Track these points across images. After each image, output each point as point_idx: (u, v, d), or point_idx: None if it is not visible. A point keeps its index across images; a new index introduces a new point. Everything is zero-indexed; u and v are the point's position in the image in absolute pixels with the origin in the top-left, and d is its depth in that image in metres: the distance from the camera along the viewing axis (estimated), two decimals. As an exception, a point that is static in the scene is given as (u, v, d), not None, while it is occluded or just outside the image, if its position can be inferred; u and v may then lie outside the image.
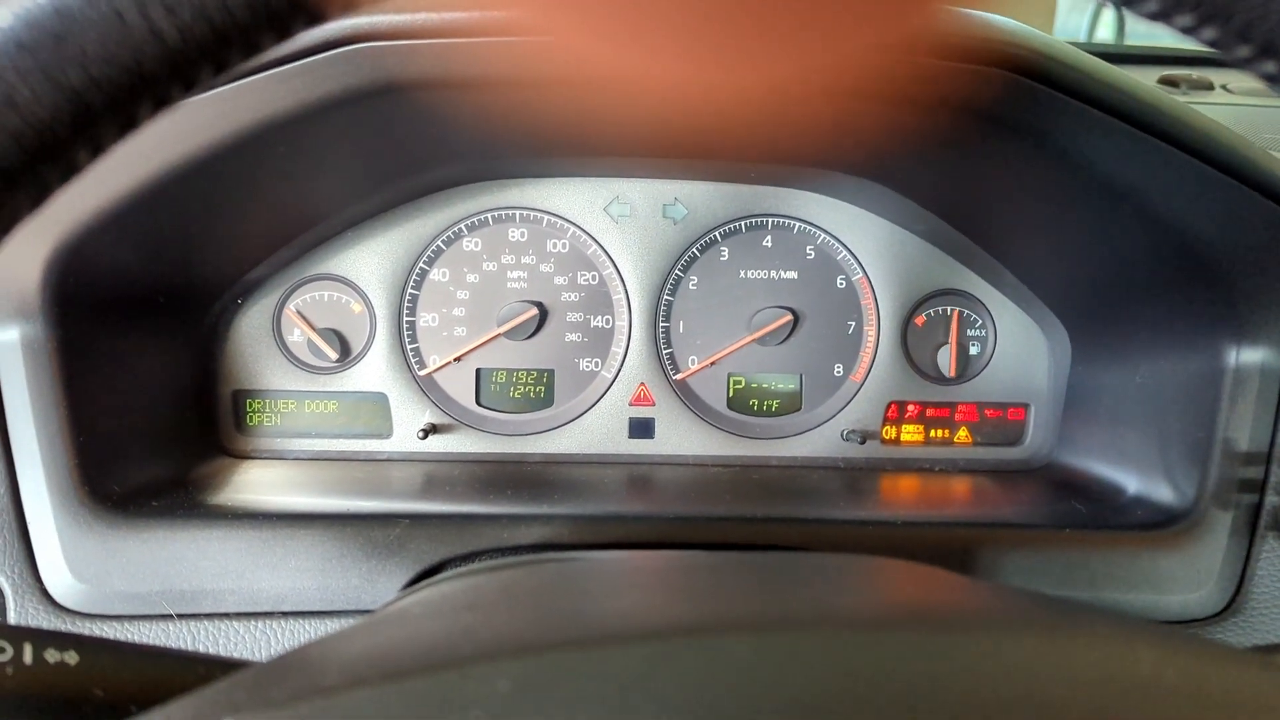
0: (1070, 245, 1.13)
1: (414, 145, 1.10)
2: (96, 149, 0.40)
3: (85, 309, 0.99)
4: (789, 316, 1.30)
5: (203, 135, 0.90)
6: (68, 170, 0.40)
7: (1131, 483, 1.15)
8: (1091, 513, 1.12)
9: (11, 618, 0.95)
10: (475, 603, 0.56)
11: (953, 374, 1.32)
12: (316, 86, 0.88)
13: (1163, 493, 1.10)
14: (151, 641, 0.97)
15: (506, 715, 0.39)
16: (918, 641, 0.45)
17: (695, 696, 0.40)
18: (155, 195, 0.93)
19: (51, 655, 0.60)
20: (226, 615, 0.98)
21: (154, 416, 1.12)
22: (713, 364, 1.31)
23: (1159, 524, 1.06)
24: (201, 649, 0.97)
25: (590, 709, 0.39)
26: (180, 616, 0.97)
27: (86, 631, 0.95)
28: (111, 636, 0.96)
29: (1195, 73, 1.66)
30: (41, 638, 0.60)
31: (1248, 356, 1.01)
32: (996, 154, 1.01)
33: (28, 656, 0.59)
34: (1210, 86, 1.64)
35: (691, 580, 0.61)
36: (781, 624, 0.47)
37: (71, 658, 0.62)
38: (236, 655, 0.97)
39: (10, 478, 0.96)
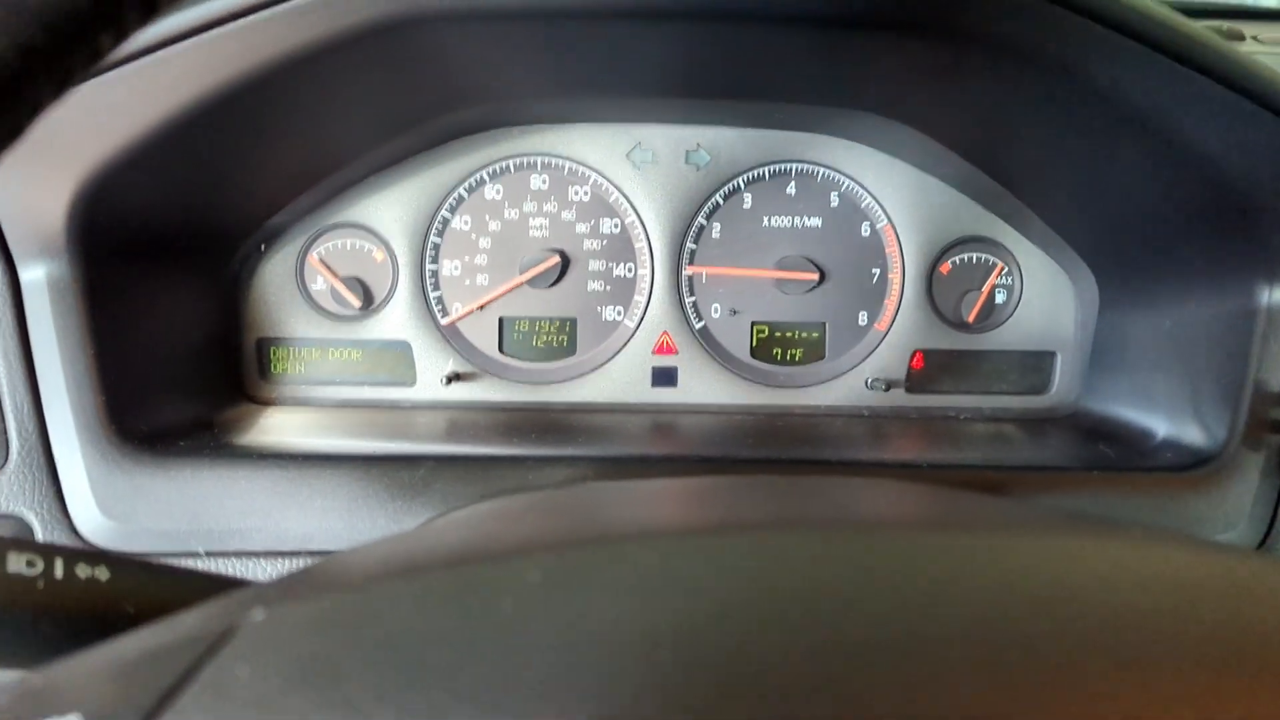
0: (1100, 186, 1.11)
1: (436, 85, 1.09)
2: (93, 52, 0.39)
3: (111, 249, 0.99)
4: (815, 273, 1.29)
5: (226, 69, 0.89)
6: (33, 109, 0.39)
7: (1161, 427, 1.14)
8: (1120, 457, 1.11)
9: (41, 554, 0.95)
10: (502, 515, 0.56)
11: (973, 320, 1.31)
12: (339, 18, 0.87)
13: (1193, 435, 1.09)
14: (180, 579, 0.97)
15: (539, 603, 0.39)
16: (929, 543, 0.44)
17: (715, 587, 0.40)
18: (179, 132, 0.92)
19: (83, 570, 0.61)
20: (254, 553, 0.98)
21: (179, 360, 1.13)
22: (734, 313, 1.31)
23: (1189, 466, 1.05)
24: (229, 586, 0.97)
25: (617, 597, 0.39)
26: (208, 554, 0.98)
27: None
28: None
29: (1226, 24, 1.63)
30: (72, 554, 0.61)
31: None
32: (1026, 90, 0.99)
33: (58, 571, 0.60)
34: (1241, 37, 1.61)
35: (715, 493, 0.60)
36: (797, 526, 0.46)
37: (102, 573, 0.62)
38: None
39: (38, 416, 0.96)
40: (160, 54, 0.88)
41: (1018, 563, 0.43)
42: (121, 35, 0.40)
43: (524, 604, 0.39)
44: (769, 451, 1.10)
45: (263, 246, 1.23)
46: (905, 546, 0.44)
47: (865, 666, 0.32)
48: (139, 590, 0.64)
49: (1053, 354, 1.32)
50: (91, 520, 0.96)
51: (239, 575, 0.98)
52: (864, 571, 0.41)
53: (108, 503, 0.96)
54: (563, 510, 0.58)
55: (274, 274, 1.25)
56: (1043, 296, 1.31)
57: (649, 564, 0.41)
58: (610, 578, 0.41)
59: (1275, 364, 1.02)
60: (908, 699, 0.30)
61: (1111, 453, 1.12)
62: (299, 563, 0.98)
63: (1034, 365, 1.32)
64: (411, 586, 0.42)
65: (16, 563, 0.58)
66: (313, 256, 1.25)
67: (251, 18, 0.86)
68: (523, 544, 0.47)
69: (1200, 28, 0.89)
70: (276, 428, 1.15)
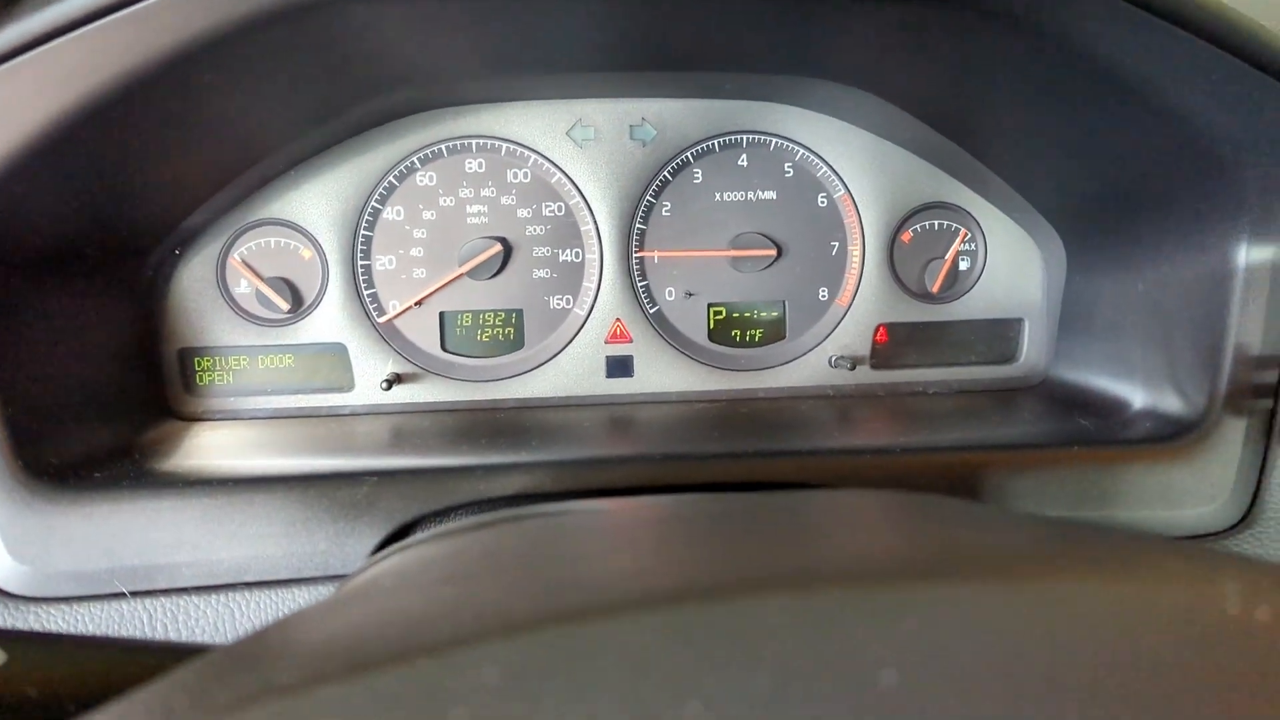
0: (1069, 146, 1.06)
1: (357, 69, 1.00)
2: None
3: (6, 265, 0.90)
4: (772, 249, 1.23)
5: (114, 66, 0.80)
6: None
7: (1137, 395, 1.09)
8: (1097, 428, 1.07)
9: (-53, 607, 0.87)
10: (453, 572, 0.49)
11: (937, 290, 1.25)
12: (237, 4, 0.78)
13: (1171, 403, 1.05)
14: (105, 623, 0.89)
15: (497, 711, 0.32)
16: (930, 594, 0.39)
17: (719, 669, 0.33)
18: (72, 133, 0.83)
19: (-24, 655, 0.54)
20: (184, 590, 0.90)
21: (93, 381, 1.03)
22: (689, 295, 1.24)
23: (1169, 436, 1.01)
24: (159, 627, 0.89)
25: (594, 696, 0.33)
26: (134, 594, 0.90)
27: (33, 616, 0.88)
28: (60, 619, 0.88)
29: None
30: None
31: (1259, 254, 0.95)
32: (992, 49, 0.93)
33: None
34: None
35: (686, 530, 0.54)
36: (786, 585, 0.40)
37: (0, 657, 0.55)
38: (198, 631, 0.90)
39: (-66, 457, 0.87)
40: (43, 49, 0.79)
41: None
42: None
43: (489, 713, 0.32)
44: (733, 444, 1.03)
45: (178, 250, 1.13)
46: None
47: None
48: (44, 670, 0.57)
49: (1020, 321, 1.27)
50: (3, 567, 0.88)
51: (170, 615, 0.90)
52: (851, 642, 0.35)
53: (18, 546, 0.88)
54: (525, 559, 0.51)
55: (193, 279, 1.16)
56: (1008, 262, 1.26)
57: (637, 648, 0.35)
58: (587, 673, 0.34)
59: (1256, 325, 0.97)
60: None
61: (1088, 424, 1.08)
62: (235, 597, 0.90)
63: (1001, 334, 1.27)
64: (350, 692, 0.35)
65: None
66: (234, 258, 1.16)
67: (141, 5, 0.77)
68: (482, 621, 0.40)
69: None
70: (204, 448, 1.07)
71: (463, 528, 0.65)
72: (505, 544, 0.54)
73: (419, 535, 0.84)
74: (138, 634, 0.90)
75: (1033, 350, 1.27)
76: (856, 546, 0.46)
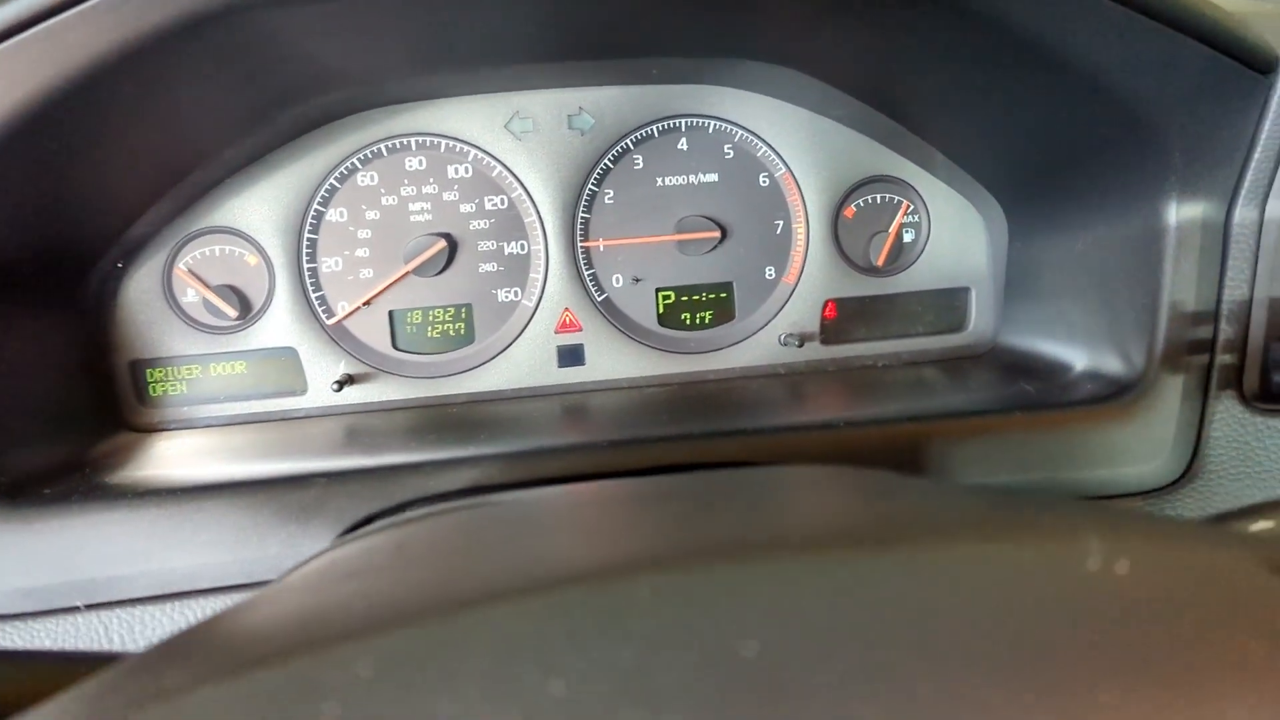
0: (998, 116, 1.07)
1: (287, 72, 1.00)
2: None
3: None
4: (716, 231, 1.23)
5: (29, 83, 0.80)
6: None
7: (1079, 358, 1.11)
8: (1040, 392, 1.08)
9: (-102, 629, 0.88)
10: (359, 569, 0.50)
11: (882, 263, 1.26)
12: (148, 13, 0.78)
13: (1111, 364, 1.06)
14: (60, 637, 0.90)
15: (367, 706, 0.33)
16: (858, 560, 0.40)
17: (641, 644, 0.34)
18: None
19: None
20: (139, 600, 0.91)
21: (42, 396, 1.04)
22: (637, 281, 1.25)
23: (1110, 396, 1.02)
24: (115, 638, 0.90)
25: (461, 684, 0.34)
26: (89, 607, 0.90)
27: (-9, 633, 0.89)
28: (16, 636, 0.89)
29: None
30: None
31: (1188, 212, 0.97)
32: (913, 26, 0.94)
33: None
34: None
35: (596, 516, 0.55)
36: (654, 565, 0.41)
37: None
38: (155, 640, 0.91)
39: (-121, 480, 0.88)
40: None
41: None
42: None
43: (359, 706, 0.33)
44: (683, 426, 1.04)
45: (120, 264, 1.14)
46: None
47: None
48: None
49: (966, 290, 1.29)
50: (-47, 586, 0.88)
51: (125, 625, 0.91)
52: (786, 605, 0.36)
53: (-32, 566, 0.88)
54: (433, 553, 0.52)
55: (139, 290, 1.16)
56: (951, 232, 1.27)
57: (513, 637, 0.36)
58: (460, 665, 0.35)
59: (1188, 283, 0.98)
60: None
61: (1032, 389, 1.09)
62: (189, 604, 0.91)
63: (948, 303, 1.29)
64: (226, 692, 0.36)
65: None
66: (179, 268, 1.17)
67: (45, 24, 0.77)
68: (368, 617, 0.41)
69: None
70: (157, 458, 1.07)
71: (388, 524, 0.66)
72: (416, 538, 0.55)
73: (354, 534, 0.84)
74: (94, 646, 0.91)
75: (980, 318, 1.29)
76: (744, 522, 0.47)
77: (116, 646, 0.91)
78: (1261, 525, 0.63)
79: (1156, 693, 0.31)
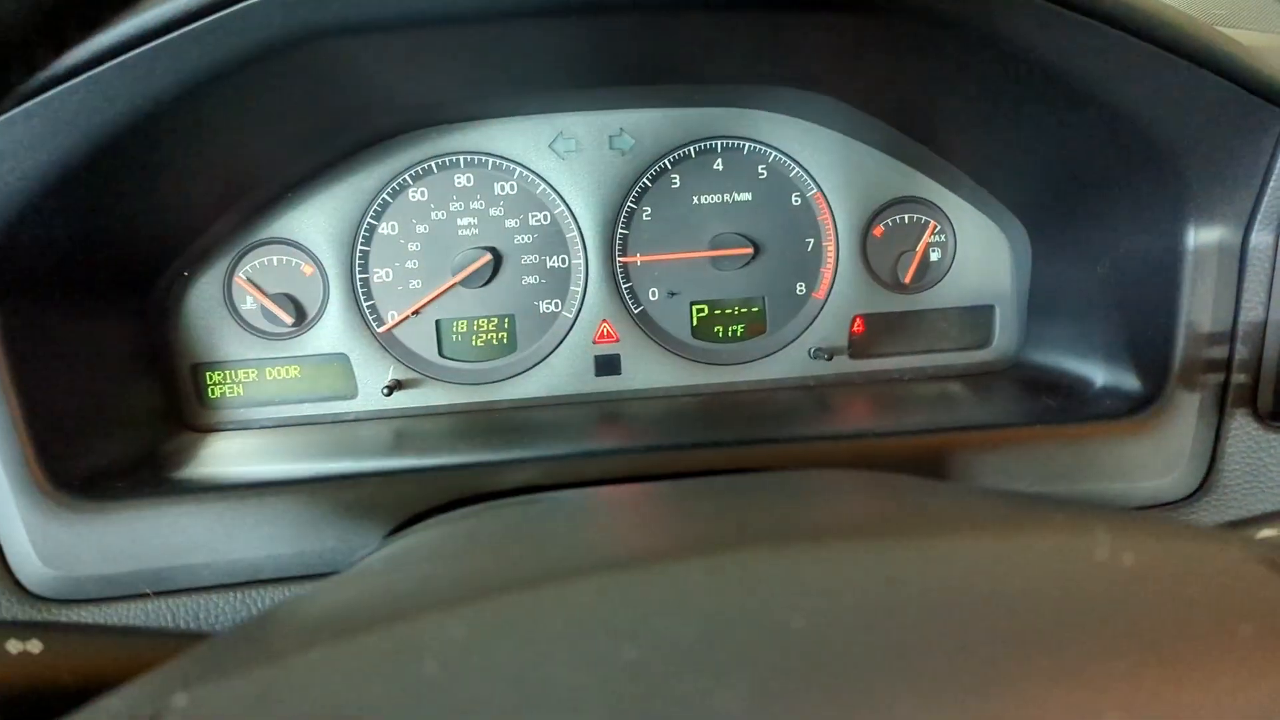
0: (1022, 141, 1.12)
1: (350, 95, 1.06)
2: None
3: (26, 292, 0.96)
4: (749, 248, 1.29)
5: (119, 106, 0.87)
6: None
7: (1099, 374, 1.15)
8: (1061, 407, 1.12)
9: (-16, 611, 0.94)
10: (435, 553, 0.55)
11: (909, 281, 1.31)
12: (230, 43, 0.85)
13: (1130, 381, 1.10)
14: (130, 622, 0.96)
15: (461, 661, 0.38)
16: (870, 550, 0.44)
17: (648, 625, 0.39)
18: (87, 166, 0.90)
19: (14, 646, 0.59)
20: (204, 589, 0.97)
21: (111, 396, 1.10)
22: (672, 295, 1.30)
23: (1128, 412, 1.06)
24: (181, 624, 0.96)
25: (545, 647, 0.39)
26: (157, 594, 0.96)
27: (64, 618, 0.95)
28: (89, 620, 0.95)
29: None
30: (2, 630, 0.59)
31: (1206, 236, 1.01)
32: (938, 53, 0.99)
33: (-11, 649, 0.58)
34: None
35: (645, 511, 0.60)
36: (730, 546, 0.46)
37: (35, 646, 0.61)
38: (217, 627, 0.96)
39: (-32, 472, 0.94)
40: (59, 89, 0.85)
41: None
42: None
43: (456, 663, 0.38)
44: (716, 434, 1.10)
45: (186, 272, 1.20)
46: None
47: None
48: (76, 659, 0.62)
49: (991, 308, 1.33)
50: (34, 573, 0.94)
51: (191, 612, 0.96)
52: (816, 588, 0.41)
53: (48, 554, 0.94)
54: (502, 542, 0.58)
55: (202, 298, 1.23)
56: (977, 252, 1.32)
57: (582, 607, 0.41)
58: (540, 629, 0.40)
59: (1204, 304, 1.03)
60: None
61: (1053, 404, 1.14)
62: (251, 594, 0.97)
63: (973, 321, 1.33)
64: (336, 652, 0.41)
65: (-57, 646, 0.57)
66: (239, 277, 1.23)
67: (139, 50, 0.83)
68: (452, 590, 0.46)
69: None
70: (218, 457, 1.13)
71: (449, 518, 0.71)
72: (484, 528, 0.60)
73: (416, 526, 0.90)
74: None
75: (1004, 335, 1.33)
76: (784, 517, 0.52)
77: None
78: (1268, 532, 0.67)
79: (1160, 670, 0.35)
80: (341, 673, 0.39)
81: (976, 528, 0.45)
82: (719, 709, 0.32)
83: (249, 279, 1.23)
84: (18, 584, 0.95)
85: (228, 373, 1.24)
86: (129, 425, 1.12)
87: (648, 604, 0.40)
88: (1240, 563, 0.45)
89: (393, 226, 1.25)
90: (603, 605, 0.40)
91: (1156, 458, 1.04)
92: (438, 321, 1.28)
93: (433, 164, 1.25)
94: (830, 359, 1.31)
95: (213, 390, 1.24)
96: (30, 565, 0.95)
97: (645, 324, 1.30)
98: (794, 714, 0.32)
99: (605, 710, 0.33)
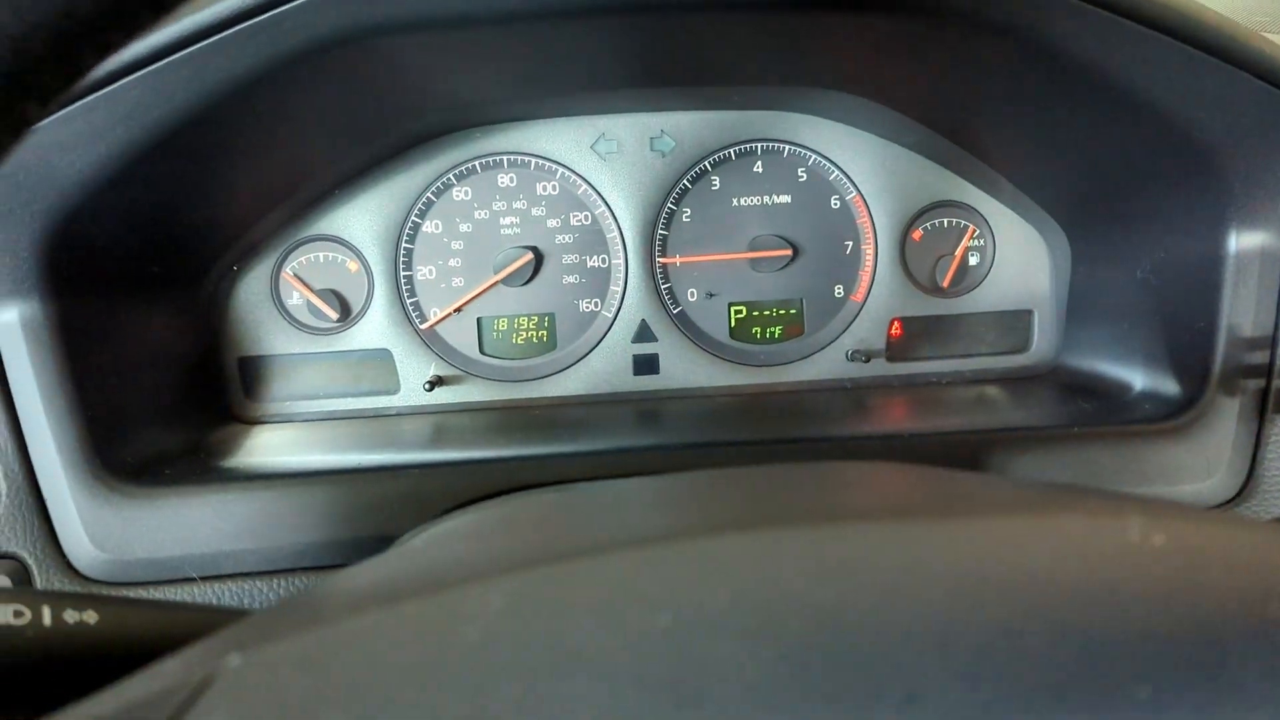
0: (1062, 145, 1.12)
1: (397, 94, 1.09)
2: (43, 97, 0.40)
3: (81, 284, 0.99)
4: (788, 250, 1.30)
5: (175, 101, 0.89)
6: (17, 125, 0.40)
7: (1138, 378, 1.14)
8: (1100, 411, 1.12)
9: (38, 591, 0.97)
10: (473, 533, 0.57)
11: (948, 284, 1.31)
12: (283, 40, 0.87)
13: (1169, 385, 1.10)
14: (178, 605, 0.98)
15: (500, 630, 0.40)
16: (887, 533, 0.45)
17: (682, 597, 0.40)
18: (141, 161, 0.93)
19: (70, 616, 0.62)
20: (247, 574, 0.99)
21: (161, 387, 1.13)
22: (711, 296, 1.31)
23: (1167, 415, 1.06)
24: (227, 608, 0.98)
25: (580, 615, 0.40)
26: (203, 579, 0.99)
27: (115, 599, 0.97)
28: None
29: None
30: (60, 600, 0.62)
31: (1247, 241, 1.00)
32: (978, 57, 0.99)
33: (46, 618, 0.60)
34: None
35: (679, 492, 0.61)
36: (759, 525, 0.47)
37: (90, 617, 0.63)
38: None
39: (23, 456, 0.97)
40: (115, 86, 0.88)
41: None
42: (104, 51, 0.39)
43: (499, 630, 0.39)
44: (753, 433, 1.11)
45: (235, 267, 1.23)
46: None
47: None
48: (130, 630, 0.64)
49: (1029, 312, 1.33)
50: (86, 555, 0.97)
51: (235, 597, 0.99)
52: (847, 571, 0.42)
53: (100, 537, 0.97)
54: (541, 522, 0.59)
55: (249, 292, 1.25)
56: (1016, 256, 1.32)
57: (613, 580, 0.42)
58: (585, 598, 0.41)
59: (1246, 309, 1.02)
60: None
61: (1091, 408, 1.13)
62: (294, 580, 0.99)
63: (1011, 325, 1.33)
64: (380, 619, 0.43)
65: (3, 613, 0.59)
66: (286, 272, 1.26)
67: (195, 48, 0.86)
68: (491, 564, 0.48)
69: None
70: (263, 447, 1.16)
71: (489, 504, 0.73)
72: (522, 511, 0.62)
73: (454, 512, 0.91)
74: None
75: (1043, 340, 1.33)
76: (818, 499, 0.53)
77: (227, 616, 0.99)
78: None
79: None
80: (388, 636, 0.41)
81: (1023, 511, 0.46)
82: (749, 674, 0.33)
83: (296, 275, 1.26)
84: (70, 565, 0.98)
85: (274, 366, 1.27)
86: (178, 415, 1.15)
87: (681, 576, 0.42)
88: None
89: (436, 225, 1.28)
90: (636, 577, 0.42)
91: (1197, 461, 1.04)
92: (479, 319, 1.30)
93: (476, 164, 1.27)
94: (868, 361, 1.31)
95: (259, 383, 1.27)
96: (82, 548, 0.97)
97: (683, 324, 1.31)
98: (822, 680, 0.33)
99: (636, 673, 0.34)
